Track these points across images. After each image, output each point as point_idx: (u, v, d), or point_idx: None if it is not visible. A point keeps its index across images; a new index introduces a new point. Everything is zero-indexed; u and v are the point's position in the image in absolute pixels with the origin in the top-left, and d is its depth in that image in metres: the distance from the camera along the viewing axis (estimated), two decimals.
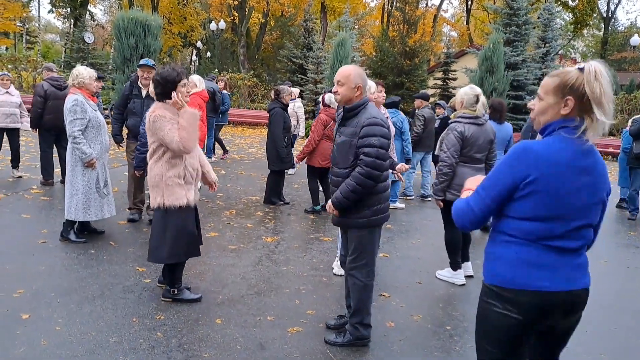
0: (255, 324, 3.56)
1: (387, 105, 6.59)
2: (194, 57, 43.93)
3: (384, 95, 5.44)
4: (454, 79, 24.38)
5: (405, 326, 3.67)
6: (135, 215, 5.88)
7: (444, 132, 4.35)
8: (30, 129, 7.52)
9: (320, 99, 7.36)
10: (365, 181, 2.99)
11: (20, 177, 7.78)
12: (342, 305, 3.87)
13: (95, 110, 5.02)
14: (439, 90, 24.06)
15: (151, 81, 3.78)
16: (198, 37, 30.82)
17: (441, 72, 24.91)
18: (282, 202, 7.31)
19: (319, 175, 6.90)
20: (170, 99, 3.60)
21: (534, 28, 18.53)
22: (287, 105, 7.41)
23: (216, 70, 21.89)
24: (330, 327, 3.52)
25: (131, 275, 4.24)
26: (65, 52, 31.94)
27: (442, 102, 9.60)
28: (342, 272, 4.57)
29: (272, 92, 7.40)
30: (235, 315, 3.66)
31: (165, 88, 3.59)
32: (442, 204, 4.43)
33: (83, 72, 4.94)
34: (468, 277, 4.67)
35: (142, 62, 5.75)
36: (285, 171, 7.47)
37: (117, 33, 14.57)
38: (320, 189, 7.10)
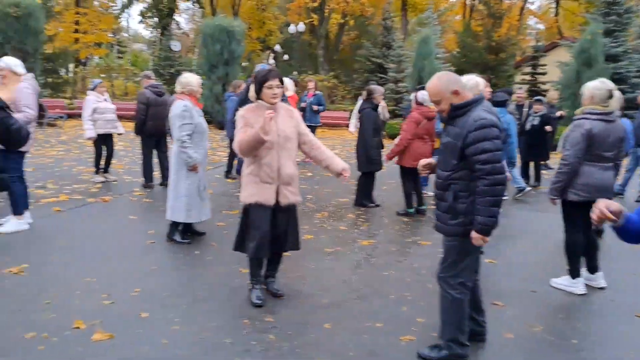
0: (365, 330, 3.47)
1: (495, 104, 6.25)
2: (271, 61, 44.97)
3: (490, 90, 5.16)
4: (544, 74, 23.08)
5: (525, 338, 3.43)
6: None
7: (568, 128, 4.04)
8: (120, 133, 7.97)
9: (412, 97, 7.17)
10: (494, 189, 2.76)
11: (103, 181, 8.05)
12: None
13: (200, 116, 5.16)
14: (527, 86, 22.88)
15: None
16: (276, 41, 31.42)
17: (530, 67, 23.68)
18: (373, 205, 7.20)
19: (413, 176, 6.72)
20: (261, 98, 3.63)
21: (637, 17, 17.11)
22: (378, 106, 7.30)
23: (295, 72, 22.21)
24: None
25: (236, 277, 4.31)
26: (152, 60, 33.78)
27: (540, 97, 9.06)
28: None
29: (364, 93, 7.31)
30: (343, 320, 3.60)
31: (255, 87, 3.66)
32: (556, 202, 4.13)
33: (192, 79, 5.10)
34: (599, 288, 4.31)
35: (260, 66, 5.82)
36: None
37: (203, 40, 15.18)
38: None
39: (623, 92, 16.00)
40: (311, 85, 10.93)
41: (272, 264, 4.05)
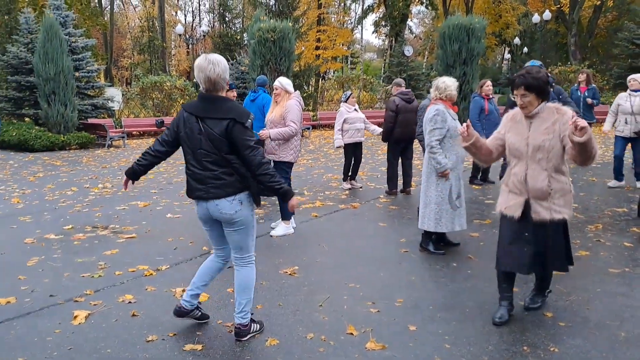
0: None
1: None
2: (507, 55, 42.28)
3: None
4: None
5: None
6: None
7: None
8: (378, 134, 8.16)
9: None
10: None
11: (350, 188, 8.31)
12: None
13: (454, 120, 4.93)
14: None
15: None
16: (514, 33, 29.41)
17: None
18: None
19: None
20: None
21: None
22: None
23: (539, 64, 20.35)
24: None
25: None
26: (384, 66, 34.96)
27: None
28: None
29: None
30: None
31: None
32: None
33: (450, 83, 4.91)
34: None
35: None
36: None
37: (441, 41, 14.95)
38: None
39: None
40: (582, 77, 9.69)
41: (537, 281, 3.75)
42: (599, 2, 23.46)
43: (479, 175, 8.48)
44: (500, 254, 3.50)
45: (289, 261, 4.82)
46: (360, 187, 8.49)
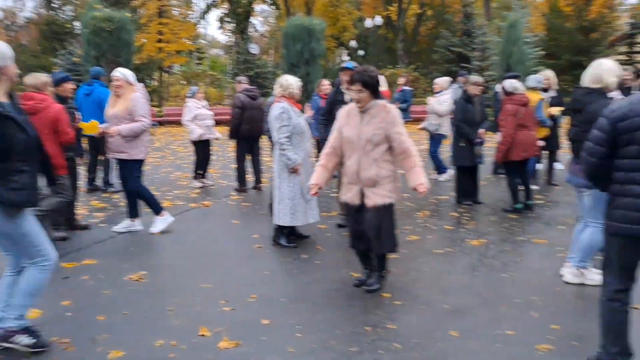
0: (496, 338, 3.24)
1: None
2: (345, 57, 44.75)
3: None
4: None
5: None
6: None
7: None
8: (217, 138, 8.15)
9: (499, 89, 6.70)
10: None
11: (202, 187, 8.18)
12: (591, 319, 3.30)
13: (299, 117, 5.12)
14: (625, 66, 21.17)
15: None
16: (351, 37, 31.28)
17: (626, 46, 21.89)
18: (469, 203, 6.85)
19: (521, 169, 6.32)
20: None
21: None
22: (471, 96, 6.86)
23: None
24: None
25: (349, 281, 4.20)
26: (230, 63, 34.75)
27: None
28: (576, 280, 4.05)
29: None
30: (470, 328, 3.39)
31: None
32: None
33: (292, 81, 5.08)
34: None
35: (345, 65, 5.72)
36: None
37: (284, 40, 15.31)
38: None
39: None
40: (401, 80, 10.64)
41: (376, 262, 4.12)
42: (421, 11, 26.16)
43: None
44: (349, 237, 4.01)
45: (135, 266, 4.58)
46: (212, 185, 8.37)
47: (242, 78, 8.02)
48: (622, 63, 21.62)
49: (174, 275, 4.43)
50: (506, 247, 5.06)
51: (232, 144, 8.20)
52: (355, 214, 3.87)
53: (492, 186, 7.86)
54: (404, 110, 10.49)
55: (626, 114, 2.55)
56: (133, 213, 5.64)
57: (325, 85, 8.39)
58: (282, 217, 5.07)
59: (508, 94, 6.20)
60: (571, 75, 17.47)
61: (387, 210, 3.78)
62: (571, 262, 4.11)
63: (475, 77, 6.87)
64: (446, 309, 3.69)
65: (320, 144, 5.83)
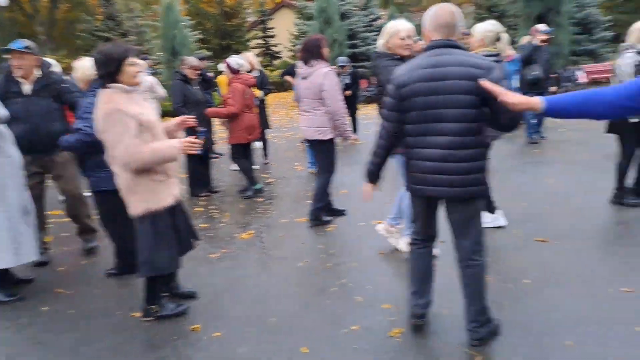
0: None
1: None
2: None
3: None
4: (272, 36, 24.06)
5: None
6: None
7: None
8: None
9: (224, 67, 6.30)
10: None
11: None
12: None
13: None
14: (263, 50, 23.58)
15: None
16: None
17: (260, 31, 24.38)
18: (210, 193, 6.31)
19: (247, 151, 6.12)
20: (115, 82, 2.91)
21: None
22: (188, 77, 6.19)
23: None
24: None
25: None
26: None
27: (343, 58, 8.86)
28: (385, 234, 4.06)
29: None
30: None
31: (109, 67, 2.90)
32: None
33: None
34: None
35: (12, 45, 4.13)
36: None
37: None
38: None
39: (355, 46, 17.92)
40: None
41: None
42: None
43: None
44: None
45: None
46: None
47: None
48: (262, 47, 24.13)
49: None
50: (279, 233, 4.75)
51: None
52: None
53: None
54: None
55: (405, 81, 2.54)
56: None
57: None
58: None
59: (235, 72, 5.81)
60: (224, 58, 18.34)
61: None
62: (388, 220, 4.08)
63: (192, 60, 6.17)
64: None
65: None
